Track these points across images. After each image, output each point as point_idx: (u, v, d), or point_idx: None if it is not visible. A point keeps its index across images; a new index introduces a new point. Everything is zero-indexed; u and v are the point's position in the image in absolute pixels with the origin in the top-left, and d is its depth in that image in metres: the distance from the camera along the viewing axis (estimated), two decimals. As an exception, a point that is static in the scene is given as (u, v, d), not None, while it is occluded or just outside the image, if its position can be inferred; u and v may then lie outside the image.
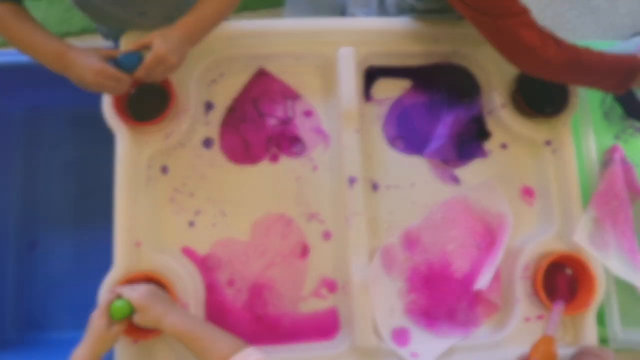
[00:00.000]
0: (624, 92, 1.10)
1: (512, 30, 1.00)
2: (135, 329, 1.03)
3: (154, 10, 1.13)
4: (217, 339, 0.91)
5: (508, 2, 0.99)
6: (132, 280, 1.06)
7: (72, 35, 2.02)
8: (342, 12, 1.54)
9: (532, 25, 1.01)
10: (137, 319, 0.94)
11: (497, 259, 1.11)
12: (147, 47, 0.97)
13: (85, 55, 0.96)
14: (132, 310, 0.94)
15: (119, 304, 0.94)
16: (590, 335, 1.11)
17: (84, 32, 2.02)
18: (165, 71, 0.98)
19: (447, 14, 1.20)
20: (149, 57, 0.96)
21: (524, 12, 1.00)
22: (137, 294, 0.95)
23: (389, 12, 1.33)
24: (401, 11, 1.28)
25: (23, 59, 1.26)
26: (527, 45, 1.01)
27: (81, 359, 0.90)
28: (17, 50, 1.29)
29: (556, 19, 2.11)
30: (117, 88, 0.98)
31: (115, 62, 0.97)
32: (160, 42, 0.95)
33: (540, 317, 1.12)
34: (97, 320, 0.92)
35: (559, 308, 0.99)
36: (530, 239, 1.17)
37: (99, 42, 2.02)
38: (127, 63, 0.97)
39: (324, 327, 1.13)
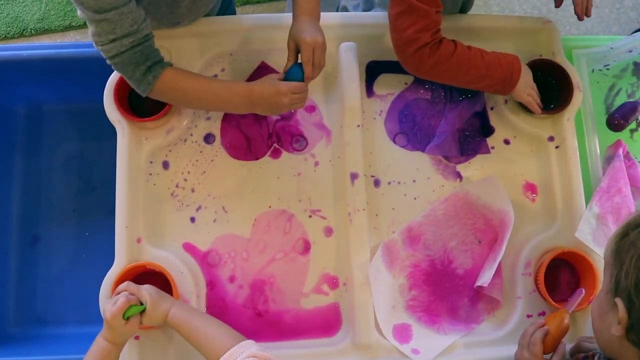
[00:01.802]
0: (506, 94, 1.15)
1: (400, 18, 1.06)
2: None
3: (187, 20, 1.16)
4: (217, 331, 0.93)
5: None
6: (133, 270, 1.06)
7: (74, 28, 2.01)
8: (337, 5, 1.53)
9: (426, 22, 1.05)
10: (146, 319, 0.95)
11: (498, 255, 1.11)
12: (298, 50, 1.01)
13: (268, 85, 1.02)
14: (140, 309, 0.95)
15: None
16: (591, 331, 1.10)
17: (85, 25, 2.01)
18: (322, 53, 1.01)
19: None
20: (304, 53, 0.99)
21: (440, 7, 1.06)
22: (147, 292, 0.96)
23: (375, 4, 1.33)
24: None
25: (25, 53, 1.26)
26: (408, 38, 1.06)
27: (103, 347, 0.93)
28: (17, 45, 1.30)
29: (559, 13, 2.09)
30: (303, 98, 1.04)
31: (287, 76, 1.03)
32: (305, 36, 0.99)
33: (541, 314, 1.12)
34: (112, 319, 0.92)
35: (581, 293, 1.00)
36: (532, 235, 1.16)
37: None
38: (295, 74, 1.02)
39: (325, 323, 1.12)
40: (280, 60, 1.22)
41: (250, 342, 0.90)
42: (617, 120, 1.22)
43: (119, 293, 0.96)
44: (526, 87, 1.13)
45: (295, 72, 1.02)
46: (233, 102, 1.04)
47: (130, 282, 0.98)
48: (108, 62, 0.97)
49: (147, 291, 0.96)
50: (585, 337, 1.03)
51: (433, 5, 1.04)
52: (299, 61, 1.02)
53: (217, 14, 1.30)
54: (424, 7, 1.04)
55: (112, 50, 0.94)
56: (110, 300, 0.95)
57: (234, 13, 1.43)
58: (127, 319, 0.93)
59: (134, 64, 0.97)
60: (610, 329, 0.78)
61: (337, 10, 1.52)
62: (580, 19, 1.13)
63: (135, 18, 0.93)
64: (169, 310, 0.96)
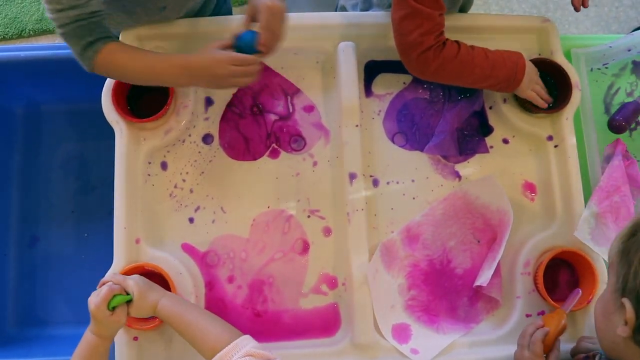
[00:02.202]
0: (510, 91, 1.15)
1: (405, 22, 1.05)
2: (133, 321, 1.03)
3: (173, 3, 1.14)
4: (213, 325, 0.90)
5: None
6: (131, 271, 1.06)
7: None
8: (336, 5, 1.53)
9: (430, 26, 1.05)
10: (134, 310, 0.93)
11: (497, 255, 1.11)
12: (253, 20, 0.96)
13: (210, 52, 0.96)
14: (126, 299, 0.92)
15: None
16: (591, 331, 1.10)
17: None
18: (281, 21, 0.95)
19: None
20: (261, 17, 0.93)
21: (444, 9, 1.06)
22: (133, 282, 0.94)
23: (373, 4, 1.33)
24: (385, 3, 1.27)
25: (23, 54, 1.26)
26: (412, 41, 1.06)
27: (91, 341, 0.91)
28: (16, 46, 1.30)
29: (558, 11, 2.09)
30: (250, 72, 0.97)
31: (234, 47, 0.95)
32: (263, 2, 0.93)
33: (540, 313, 1.12)
34: (96, 310, 0.90)
35: (578, 294, 1.01)
36: (531, 234, 1.16)
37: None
38: (246, 41, 0.94)
39: (324, 324, 1.12)
40: (279, 60, 1.22)
41: (246, 337, 0.87)
42: (618, 122, 1.22)
43: (104, 284, 0.93)
44: (530, 83, 1.14)
45: (246, 39, 0.94)
46: (172, 74, 0.99)
47: (117, 273, 0.96)
48: (56, 33, 0.97)
49: (133, 281, 0.94)
50: (585, 336, 1.03)
51: (436, 8, 1.04)
52: (252, 30, 0.96)
53: (213, 11, 1.30)
54: (428, 11, 1.03)
55: (58, 20, 0.94)
56: (94, 292, 0.92)
57: (229, 12, 1.42)
58: (113, 309, 0.90)
59: (78, 37, 0.96)
60: (615, 330, 0.77)
61: (336, 10, 1.52)
62: (577, 10, 1.13)
63: None
64: (158, 301, 0.93)
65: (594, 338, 0.99)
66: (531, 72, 1.14)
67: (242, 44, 0.95)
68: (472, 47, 1.11)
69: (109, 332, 0.93)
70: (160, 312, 0.93)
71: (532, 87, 1.14)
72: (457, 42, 1.10)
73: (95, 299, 0.90)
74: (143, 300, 0.93)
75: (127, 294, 0.93)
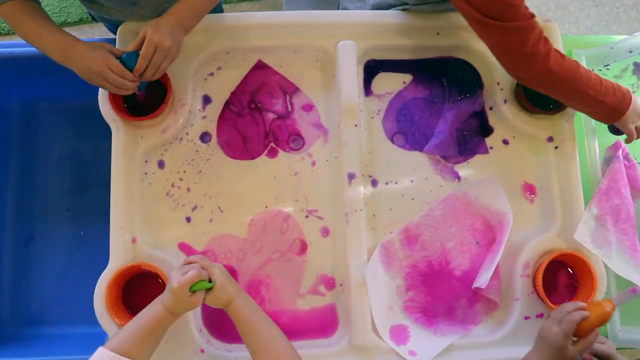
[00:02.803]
0: (610, 123, 1.11)
1: (519, 34, 0.97)
2: (129, 319, 1.02)
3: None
4: (277, 341, 0.91)
5: (517, 4, 0.96)
6: (128, 271, 1.05)
7: (69, 25, 2.00)
8: (338, 5, 1.52)
9: (539, 31, 0.98)
10: (210, 298, 0.92)
11: (496, 257, 1.10)
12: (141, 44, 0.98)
13: (93, 47, 0.98)
14: (207, 287, 0.91)
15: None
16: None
17: (81, 22, 2.00)
18: (163, 58, 0.99)
19: (437, 5, 1.19)
20: (143, 46, 0.97)
21: (532, 16, 0.98)
22: (218, 271, 0.93)
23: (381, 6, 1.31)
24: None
25: (18, 50, 1.25)
26: (531, 51, 0.98)
27: (160, 314, 0.90)
28: (12, 42, 1.29)
29: (559, 11, 2.09)
30: (122, 83, 0.99)
31: (119, 58, 0.99)
32: (151, 30, 0.97)
33: (539, 316, 1.11)
34: (178, 289, 0.88)
35: (636, 292, 0.97)
36: (531, 236, 1.15)
37: (95, 32, 2.00)
38: (129, 61, 0.99)
39: (322, 325, 1.12)
40: (278, 58, 1.21)
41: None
42: None
43: (190, 263, 0.92)
44: (633, 118, 1.10)
45: (130, 58, 0.99)
46: (53, 49, 1.00)
47: (204, 257, 0.95)
48: None
49: (218, 270, 0.93)
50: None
51: (527, 17, 0.97)
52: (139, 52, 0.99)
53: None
54: (524, 23, 0.97)
55: None
56: (179, 268, 0.91)
57: (220, 10, 1.41)
58: (193, 292, 0.89)
59: None
60: None
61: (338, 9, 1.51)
62: None
63: None
64: (234, 297, 0.92)
65: (605, 340, 0.98)
66: (636, 111, 1.10)
67: (124, 61, 0.99)
68: (582, 66, 1.05)
69: (181, 310, 0.91)
70: (232, 310, 0.93)
71: (635, 122, 1.11)
72: (563, 55, 1.04)
73: (179, 278, 0.88)
74: (222, 292, 0.92)
75: (210, 280, 0.91)
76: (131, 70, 0.99)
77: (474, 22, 1.00)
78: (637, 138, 1.13)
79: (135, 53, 0.99)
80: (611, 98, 1.06)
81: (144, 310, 0.91)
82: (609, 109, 1.07)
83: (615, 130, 1.17)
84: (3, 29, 1.95)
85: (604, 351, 0.95)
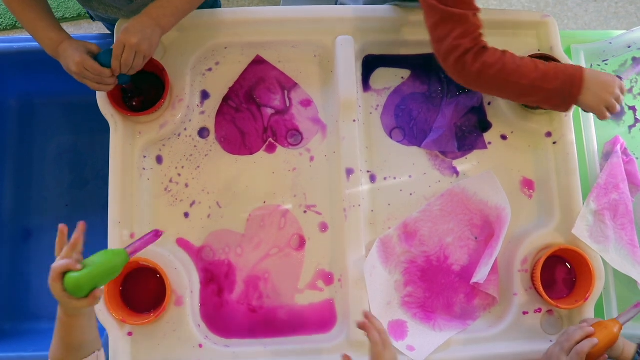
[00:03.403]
0: (568, 109, 1.06)
1: (451, 22, 0.99)
2: (127, 316, 1.03)
3: None
4: None
5: None
6: (126, 267, 1.04)
7: (67, 20, 1.99)
8: (336, 0, 1.51)
9: (472, 27, 1.01)
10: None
11: (495, 252, 1.10)
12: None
13: (74, 48, 1.02)
14: (91, 285, 0.80)
15: (74, 275, 0.80)
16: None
17: (79, 17, 1.99)
18: (134, 55, 1.01)
19: None
20: (114, 46, 1.00)
21: (474, 9, 1.00)
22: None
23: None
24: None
25: (16, 46, 1.24)
26: (455, 43, 1.00)
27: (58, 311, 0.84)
28: (9, 38, 1.29)
29: (557, 6, 2.08)
30: (99, 80, 1.02)
31: (95, 58, 1.02)
32: (121, 30, 1.01)
33: (537, 311, 1.12)
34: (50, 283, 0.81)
35: (639, 307, 0.96)
36: (529, 231, 1.15)
37: (94, 27, 2.00)
38: (104, 59, 1.01)
39: (320, 320, 1.12)
40: (277, 53, 1.21)
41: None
42: None
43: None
44: (599, 98, 1.03)
45: (105, 56, 1.02)
46: (45, 44, 1.04)
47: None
48: None
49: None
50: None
51: (468, 8, 1.00)
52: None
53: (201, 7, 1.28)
54: (459, 12, 0.99)
55: None
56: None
57: (219, 5, 1.41)
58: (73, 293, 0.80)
59: None
60: None
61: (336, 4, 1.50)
62: None
63: None
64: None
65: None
66: (602, 87, 1.03)
67: (100, 60, 1.02)
68: (523, 57, 1.04)
69: (66, 306, 0.83)
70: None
71: (605, 99, 1.04)
72: (504, 50, 1.03)
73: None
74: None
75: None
76: (107, 67, 1.01)
77: (422, 2, 1.02)
78: (614, 112, 1.06)
79: (110, 51, 1.01)
80: (553, 82, 1.02)
81: None
82: (554, 94, 1.03)
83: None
84: (0, 24, 1.94)
85: None
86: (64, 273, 0.81)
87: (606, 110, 1.04)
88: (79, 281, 0.80)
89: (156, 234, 0.93)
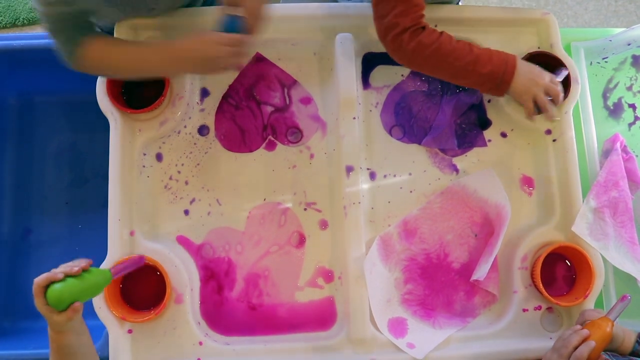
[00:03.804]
0: (502, 94, 1.09)
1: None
2: (127, 314, 1.02)
3: (162, 5, 1.12)
4: None
5: None
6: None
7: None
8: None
9: (414, 7, 1.02)
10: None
11: (495, 249, 1.10)
12: (234, 5, 0.94)
13: (196, 36, 0.94)
14: (72, 298, 0.80)
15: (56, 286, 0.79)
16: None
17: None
18: (265, 4, 0.96)
19: None
20: (251, 4, 0.93)
21: None
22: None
23: None
24: None
25: (16, 43, 1.24)
26: (394, 21, 1.02)
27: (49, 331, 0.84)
28: (8, 35, 1.28)
29: (557, 4, 2.08)
30: (240, 52, 0.95)
31: (220, 29, 0.93)
32: None
33: (537, 308, 1.12)
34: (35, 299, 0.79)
35: (627, 300, 0.96)
36: (529, 228, 1.15)
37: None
38: (232, 25, 0.93)
39: (320, 317, 1.12)
40: (276, 51, 1.21)
41: None
42: None
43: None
44: (528, 90, 1.07)
45: (231, 23, 0.93)
46: (159, 61, 0.99)
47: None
48: (43, 26, 0.96)
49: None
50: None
51: None
52: (237, 15, 0.95)
53: (204, 4, 1.28)
54: None
55: (46, 13, 0.93)
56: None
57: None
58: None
59: (64, 33, 0.96)
60: None
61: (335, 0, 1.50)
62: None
63: None
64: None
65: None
66: (531, 77, 1.07)
67: (228, 28, 0.93)
68: (459, 40, 1.06)
69: (53, 324, 0.83)
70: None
71: (534, 94, 1.07)
72: (442, 32, 1.05)
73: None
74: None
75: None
76: (236, 31, 0.93)
77: None
78: (539, 114, 1.10)
79: (232, 17, 0.93)
80: (486, 67, 1.04)
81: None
82: (488, 78, 1.05)
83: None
84: (0, 22, 1.93)
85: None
86: (47, 287, 0.79)
87: (534, 104, 1.08)
88: (60, 293, 0.79)
89: (140, 259, 0.94)
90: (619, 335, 0.94)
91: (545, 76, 1.09)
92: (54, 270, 0.80)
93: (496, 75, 1.05)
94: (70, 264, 0.82)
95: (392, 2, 1.02)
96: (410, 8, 1.02)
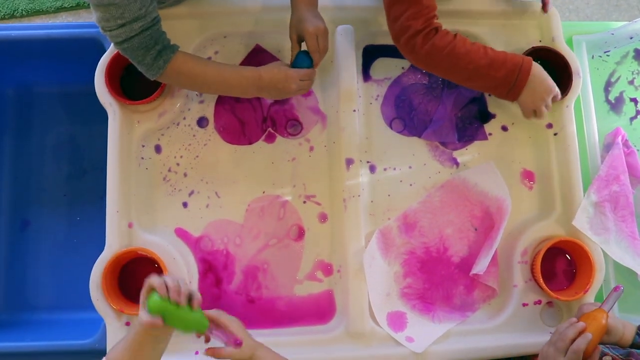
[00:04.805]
0: (513, 100, 1.08)
1: (405, 3, 1.01)
2: (125, 306, 1.02)
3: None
4: None
5: None
6: (124, 256, 1.05)
7: (66, 10, 1.97)
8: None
9: (425, 9, 1.02)
10: (229, 350, 0.88)
11: (495, 243, 1.10)
12: (300, 41, 1.05)
13: (279, 69, 1.04)
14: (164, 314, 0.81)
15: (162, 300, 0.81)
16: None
17: (78, 6, 1.98)
18: (325, 39, 1.04)
19: None
20: (308, 42, 1.02)
21: None
22: (237, 326, 0.90)
23: None
24: None
25: (14, 34, 1.23)
26: (406, 24, 1.02)
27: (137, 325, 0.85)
28: (7, 25, 1.27)
29: (559, -1, 2.07)
30: (311, 85, 1.07)
31: (293, 65, 1.05)
32: (307, 26, 1.01)
33: (537, 303, 1.11)
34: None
35: (619, 291, 0.96)
36: (529, 223, 1.15)
37: (93, 17, 1.98)
38: (302, 62, 1.05)
39: (319, 311, 1.11)
40: (274, 42, 1.20)
41: None
42: None
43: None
44: (536, 99, 1.06)
45: (302, 60, 1.04)
46: (242, 86, 1.04)
47: (222, 312, 0.91)
48: (116, 47, 0.96)
49: (237, 325, 0.90)
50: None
51: None
52: (303, 49, 1.05)
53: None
54: None
55: (122, 35, 0.92)
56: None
57: None
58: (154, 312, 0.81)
59: (144, 48, 0.95)
60: None
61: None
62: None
63: (143, 1, 0.91)
64: (257, 347, 0.91)
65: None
66: (542, 86, 1.06)
67: (302, 64, 1.05)
68: (474, 43, 1.05)
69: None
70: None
71: (537, 105, 1.07)
72: (455, 34, 1.04)
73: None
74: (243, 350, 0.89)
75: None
76: (309, 67, 1.04)
77: None
78: (539, 119, 1.10)
79: (302, 53, 1.05)
80: (501, 71, 1.04)
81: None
82: (501, 82, 1.05)
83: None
84: (-2, 14, 1.92)
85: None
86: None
87: (533, 113, 1.09)
88: (155, 305, 0.80)
89: (235, 342, 0.89)
90: (618, 329, 0.94)
91: (553, 92, 1.07)
92: (171, 283, 0.82)
93: (510, 79, 1.04)
94: (183, 290, 0.83)
95: (403, 5, 1.02)
96: (421, 10, 1.02)
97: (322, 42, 1.02)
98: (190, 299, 0.83)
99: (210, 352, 0.89)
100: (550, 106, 1.09)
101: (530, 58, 1.06)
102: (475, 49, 1.04)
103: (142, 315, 0.81)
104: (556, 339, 0.90)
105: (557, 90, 1.08)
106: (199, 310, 0.85)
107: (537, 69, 1.06)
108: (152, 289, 0.81)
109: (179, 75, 1.01)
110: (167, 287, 0.81)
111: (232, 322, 0.89)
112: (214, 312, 0.89)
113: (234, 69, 1.09)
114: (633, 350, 0.91)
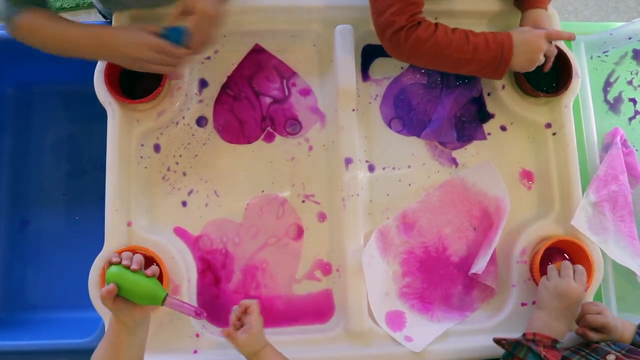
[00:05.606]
0: (501, 76, 1.08)
1: None
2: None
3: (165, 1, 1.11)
4: None
5: None
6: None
7: (65, 10, 1.98)
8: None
9: (410, 5, 1.02)
10: (242, 337, 0.91)
11: (493, 243, 1.10)
12: (186, 15, 0.93)
13: (131, 31, 0.94)
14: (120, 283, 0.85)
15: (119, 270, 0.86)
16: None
17: (77, 7, 1.98)
18: (208, 26, 0.94)
19: None
20: (198, 20, 0.92)
21: None
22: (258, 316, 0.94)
23: None
24: None
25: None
26: (390, 19, 1.02)
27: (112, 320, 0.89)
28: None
29: (557, 0, 2.08)
30: (170, 62, 0.96)
31: (161, 36, 0.94)
32: (198, 2, 0.91)
33: (535, 302, 1.11)
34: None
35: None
36: (528, 222, 1.15)
37: (92, 17, 1.99)
38: (174, 36, 0.93)
39: (318, 310, 1.11)
40: (275, 42, 1.20)
41: None
42: None
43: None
44: (528, 58, 1.06)
45: (174, 33, 0.93)
46: (81, 43, 0.96)
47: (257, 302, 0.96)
48: None
49: (258, 316, 0.95)
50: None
51: None
52: (184, 27, 0.94)
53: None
54: None
55: None
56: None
57: None
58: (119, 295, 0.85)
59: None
60: None
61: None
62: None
63: None
64: (265, 345, 0.94)
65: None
66: (528, 45, 1.05)
67: (170, 38, 0.94)
68: (455, 29, 1.06)
69: (118, 315, 0.88)
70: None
71: (535, 59, 1.06)
72: (436, 24, 1.05)
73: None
74: (252, 336, 0.93)
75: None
76: (176, 44, 0.93)
77: None
78: (543, 62, 1.09)
79: (178, 27, 0.93)
80: (485, 53, 1.04)
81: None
82: (488, 63, 1.05)
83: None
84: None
85: (597, 321, 0.97)
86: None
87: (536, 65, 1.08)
88: (116, 275, 0.86)
89: (197, 313, 0.91)
90: (618, 328, 0.95)
91: (542, 38, 1.07)
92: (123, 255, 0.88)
93: (496, 59, 1.05)
94: (137, 259, 0.88)
95: (388, 0, 1.02)
96: (406, 7, 1.02)
97: (203, 27, 0.92)
98: (146, 268, 0.88)
99: (226, 333, 0.92)
100: (553, 46, 1.09)
101: (509, 33, 1.06)
102: (457, 36, 1.04)
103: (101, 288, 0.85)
104: (563, 271, 1.00)
105: (541, 32, 1.07)
106: (154, 282, 0.88)
107: (518, 35, 1.06)
108: (110, 264, 0.87)
109: (28, 32, 0.97)
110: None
111: (257, 317, 0.94)
112: (250, 300, 0.95)
113: (81, 25, 0.98)
114: (634, 347, 0.92)
